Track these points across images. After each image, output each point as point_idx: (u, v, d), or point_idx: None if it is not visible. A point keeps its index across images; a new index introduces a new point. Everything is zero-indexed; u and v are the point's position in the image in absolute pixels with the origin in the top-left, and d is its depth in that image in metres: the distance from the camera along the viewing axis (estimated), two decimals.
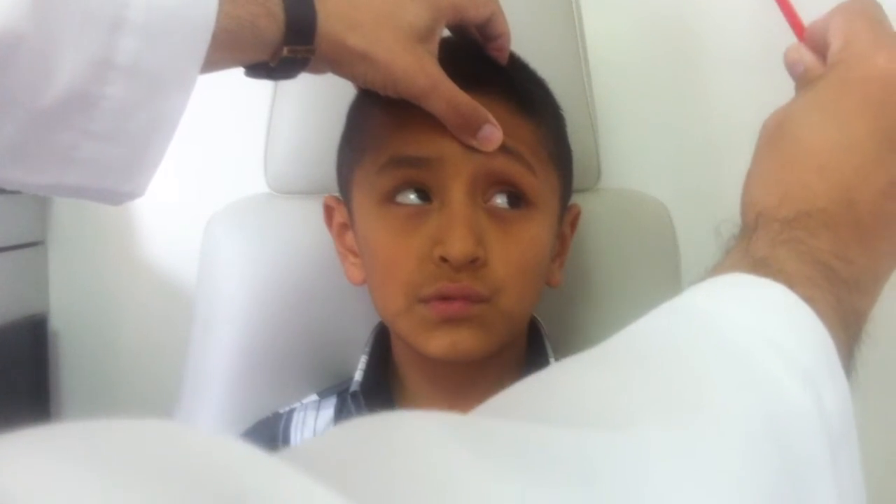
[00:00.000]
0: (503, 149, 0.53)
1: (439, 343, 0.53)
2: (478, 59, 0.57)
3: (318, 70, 0.50)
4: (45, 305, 1.06)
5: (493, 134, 0.52)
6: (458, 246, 0.51)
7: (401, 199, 0.55)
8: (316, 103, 0.72)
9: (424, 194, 0.54)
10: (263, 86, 0.72)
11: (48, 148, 0.39)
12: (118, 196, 0.44)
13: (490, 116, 0.52)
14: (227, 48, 0.42)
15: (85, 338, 1.07)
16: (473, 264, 0.52)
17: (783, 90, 0.96)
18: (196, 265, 0.73)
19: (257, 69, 0.48)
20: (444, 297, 0.52)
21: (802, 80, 0.44)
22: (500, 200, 0.55)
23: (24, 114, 0.37)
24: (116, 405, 1.06)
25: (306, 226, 0.71)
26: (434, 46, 0.52)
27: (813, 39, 0.44)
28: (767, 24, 0.93)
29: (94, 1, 0.37)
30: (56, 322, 1.07)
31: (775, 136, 0.41)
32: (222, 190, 0.77)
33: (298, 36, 0.45)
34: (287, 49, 0.45)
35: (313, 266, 0.69)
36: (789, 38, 0.97)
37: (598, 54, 0.77)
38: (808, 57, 0.44)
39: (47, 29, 0.36)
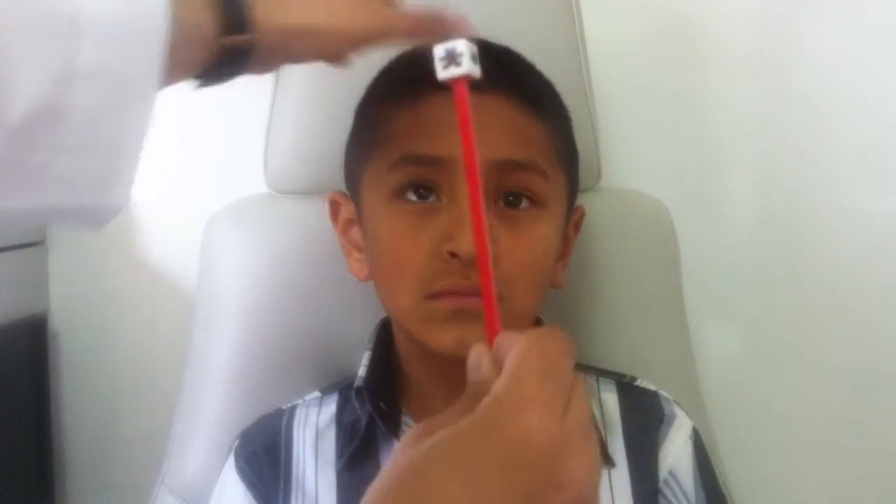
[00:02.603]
0: (516, 163, 0.54)
1: (446, 338, 0.53)
2: (485, 60, 0.57)
3: (267, 64, 0.48)
4: (45, 305, 1.06)
5: (459, 23, 0.49)
6: (468, 242, 0.51)
7: (410, 196, 0.55)
8: (316, 103, 0.72)
9: (434, 192, 0.55)
10: (263, 86, 0.73)
11: (20, 170, 0.38)
12: (100, 213, 0.42)
13: (454, 14, 0.50)
14: (174, 49, 0.41)
15: (85, 338, 1.07)
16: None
17: (782, 90, 0.96)
18: (196, 265, 0.73)
19: (207, 76, 0.46)
20: (456, 294, 0.53)
21: (473, 388, 0.37)
22: (510, 201, 0.55)
23: None
24: (116, 405, 1.06)
25: (306, 226, 0.71)
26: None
27: (499, 349, 0.38)
28: (767, 25, 0.94)
29: (45, 10, 0.37)
30: (56, 322, 1.07)
31: (393, 492, 0.32)
32: (222, 190, 0.77)
33: (235, 25, 0.44)
34: (228, 40, 0.44)
35: (313, 265, 0.70)
36: (789, 39, 0.97)
37: (598, 54, 0.77)
38: (486, 367, 0.37)
39: (1, 46, 0.35)
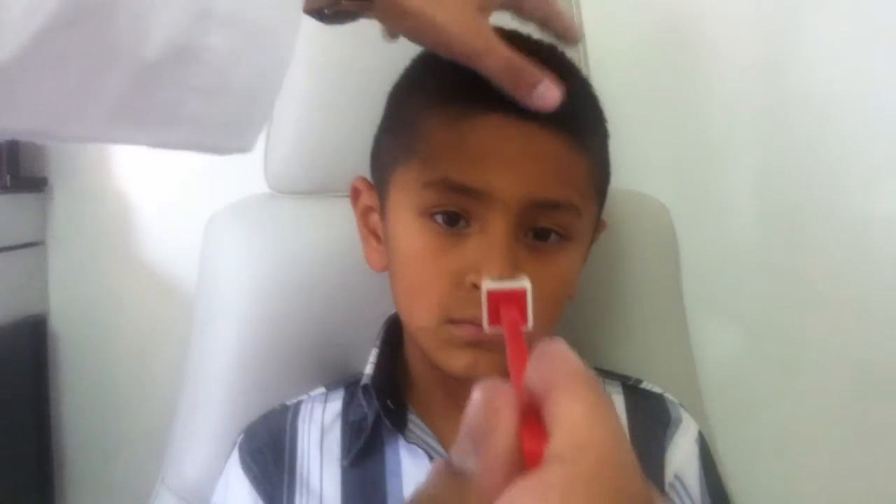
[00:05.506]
0: (554, 203, 0.53)
1: (458, 363, 0.54)
2: None
3: (376, 20, 0.49)
4: (45, 306, 1.06)
5: (548, 92, 0.50)
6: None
7: (440, 217, 0.54)
8: (316, 103, 0.72)
9: (464, 218, 0.54)
10: None
11: (154, 106, 0.38)
12: (226, 150, 0.43)
13: (546, 76, 0.50)
14: None
15: (84, 338, 1.07)
16: None
17: (782, 91, 0.96)
18: (196, 265, 0.73)
19: (310, 12, 0.46)
20: (475, 324, 0.52)
21: (477, 432, 0.28)
22: (540, 235, 0.54)
23: (127, 69, 0.36)
24: (116, 405, 1.06)
25: (306, 225, 0.71)
26: (488, 18, 0.51)
27: (533, 391, 0.28)
28: (766, 26, 0.94)
29: None
30: (56, 322, 1.07)
31: None
32: (222, 190, 0.77)
33: None
34: (345, 2, 0.45)
35: (314, 266, 0.69)
36: (788, 39, 0.97)
37: (598, 54, 0.77)
38: (506, 415, 0.27)
39: None
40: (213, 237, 0.72)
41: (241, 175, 0.77)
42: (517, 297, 0.44)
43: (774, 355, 0.95)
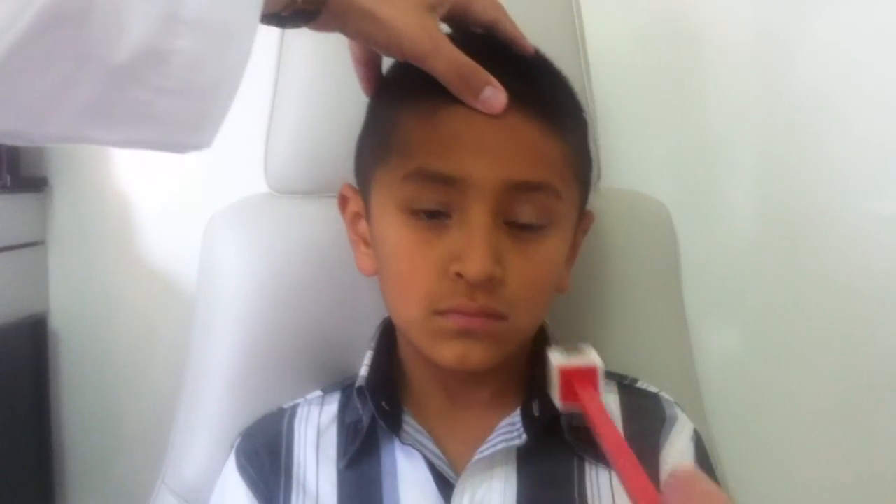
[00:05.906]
0: (531, 185, 0.53)
1: (450, 354, 0.54)
2: (507, 74, 0.54)
3: (325, 27, 0.50)
4: (45, 305, 1.06)
5: (495, 97, 0.52)
6: (477, 266, 0.51)
7: (421, 210, 0.54)
8: (316, 103, 0.72)
9: (445, 208, 0.54)
10: (263, 86, 0.73)
11: (124, 106, 0.40)
12: (185, 148, 0.44)
13: (492, 79, 0.52)
14: None
15: (84, 338, 1.07)
16: (490, 282, 0.52)
17: (782, 90, 0.96)
18: (196, 265, 0.73)
19: (269, 18, 0.48)
20: (462, 313, 0.53)
21: None
22: (521, 220, 0.54)
23: (99, 72, 0.38)
24: (116, 405, 1.07)
25: (306, 226, 0.71)
26: (437, 19, 0.52)
27: None
28: (766, 25, 0.94)
29: None
30: (56, 322, 1.07)
31: None
32: (222, 190, 0.77)
33: None
34: (301, 1, 0.46)
35: (313, 266, 0.70)
36: (789, 38, 0.97)
37: (598, 54, 0.77)
38: None
39: None
40: (213, 237, 0.72)
41: (241, 175, 0.77)
42: (590, 375, 0.45)
43: (774, 355, 0.95)
